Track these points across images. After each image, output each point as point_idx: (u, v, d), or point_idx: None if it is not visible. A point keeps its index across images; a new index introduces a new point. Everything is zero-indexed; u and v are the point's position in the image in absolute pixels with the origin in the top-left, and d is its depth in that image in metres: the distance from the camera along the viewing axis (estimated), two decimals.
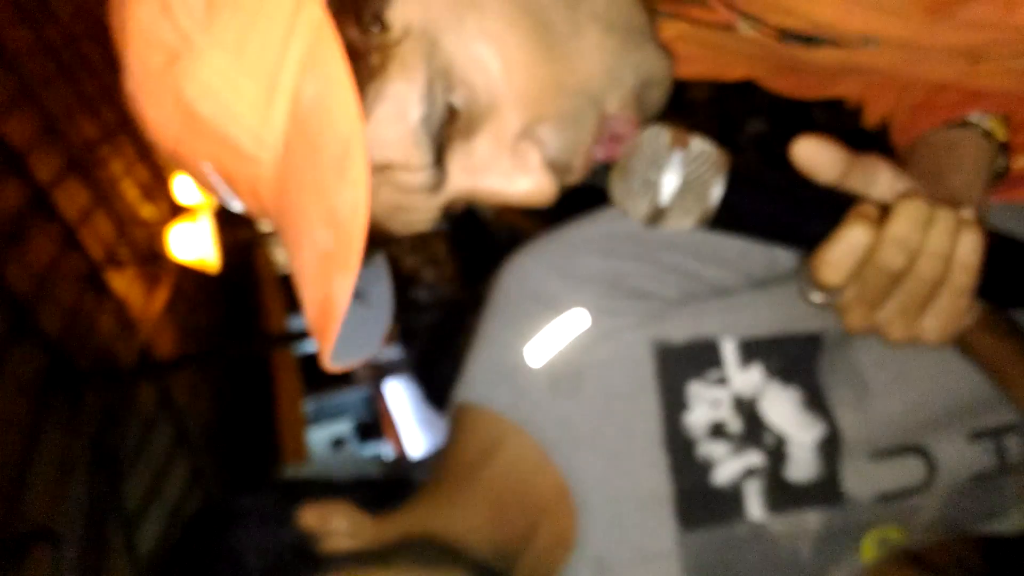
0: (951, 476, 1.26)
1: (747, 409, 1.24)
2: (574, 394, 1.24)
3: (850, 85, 1.07)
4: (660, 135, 0.76)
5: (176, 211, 4.63)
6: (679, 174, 0.75)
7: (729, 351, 1.24)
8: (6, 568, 2.02)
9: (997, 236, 0.81)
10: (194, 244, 4.31)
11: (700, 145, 0.76)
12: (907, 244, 0.75)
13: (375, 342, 0.89)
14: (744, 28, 0.85)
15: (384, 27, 0.70)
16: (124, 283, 4.01)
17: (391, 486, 1.31)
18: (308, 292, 0.77)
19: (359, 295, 0.87)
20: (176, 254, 4.31)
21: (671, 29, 0.90)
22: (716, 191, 0.76)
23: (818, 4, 0.78)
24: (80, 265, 3.64)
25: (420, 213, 0.78)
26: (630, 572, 1.24)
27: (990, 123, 0.98)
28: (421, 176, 0.74)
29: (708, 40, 0.92)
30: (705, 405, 1.24)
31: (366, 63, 0.69)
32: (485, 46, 0.73)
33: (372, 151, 0.70)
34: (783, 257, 1.24)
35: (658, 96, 0.84)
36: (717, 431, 1.24)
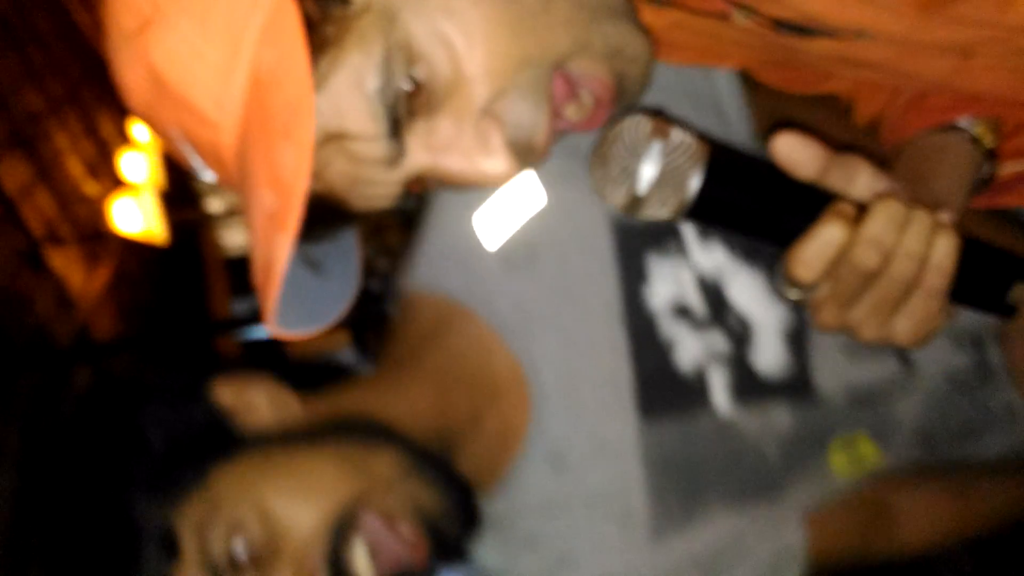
0: (928, 377, 1.22)
1: (711, 289, 1.17)
2: (528, 272, 1.16)
3: (842, 81, 1.07)
4: (641, 124, 0.76)
5: (120, 186, 4.53)
6: (657, 165, 0.76)
7: (688, 227, 1.17)
8: None
9: (973, 241, 0.81)
10: (138, 217, 4.21)
11: (680, 136, 0.76)
12: (882, 244, 0.75)
13: (332, 315, 0.89)
14: (739, 18, 0.85)
15: (346, 1, 0.72)
16: (64, 261, 3.91)
17: (321, 369, 1.19)
18: (256, 254, 0.78)
19: (315, 265, 0.89)
20: (120, 227, 4.21)
21: (666, 17, 0.90)
22: (694, 183, 0.76)
23: None
24: (19, 241, 3.55)
25: (380, 187, 0.79)
26: (587, 463, 1.16)
27: (978, 129, 0.99)
28: (377, 147, 0.75)
29: (703, 29, 0.92)
30: (666, 281, 1.16)
31: (323, 34, 0.71)
32: (447, 22, 0.74)
33: (328, 119, 0.72)
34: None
35: (637, 74, 0.85)
36: (679, 311, 1.16)
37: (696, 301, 1.16)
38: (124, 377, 1.16)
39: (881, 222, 0.75)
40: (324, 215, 0.80)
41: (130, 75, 0.77)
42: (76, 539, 1.02)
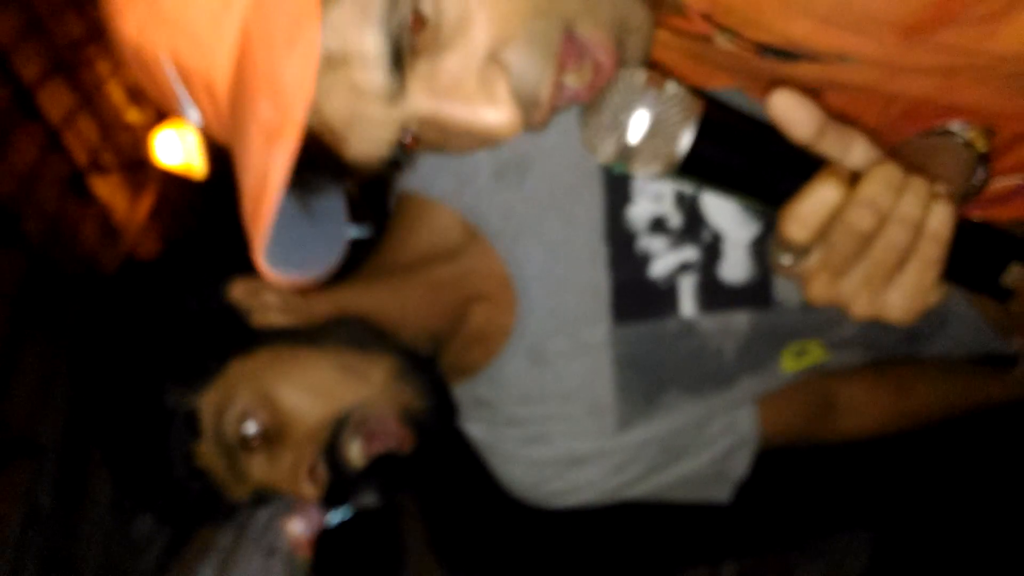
0: None
1: (688, 204, 1.24)
2: (519, 183, 1.23)
3: (834, 99, 1.06)
4: (635, 74, 0.75)
5: (162, 117, 4.54)
6: (650, 114, 0.74)
7: None
8: None
9: (968, 220, 0.79)
10: (179, 150, 4.23)
11: (675, 88, 0.74)
12: (878, 206, 0.73)
13: (321, 266, 0.88)
14: (721, 41, 0.84)
15: None
16: (108, 189, 3.95)
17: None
18: (247, 177, 0.75)
19: (309, 209, 0.88)
20: (161, 159, 4.23)
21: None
22: (686, 137, 0.74)
23: (793, 23, 0.76)
24: (63, 169, 3.58)
25: (377, 128, 0.76)
26: (563, 361, 1.27)
27: (971, 134, 0.97)
28: (377, 76, 0.72)
29: (689, 49, 0.91)
30: (648, 199, 1.24)
31: None
32: None
33: (330, 42, 0.70)
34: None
35: (637, 44, 0.82)
36: (657, 225, 1.24)
37: (674, 216, 1.24)
38: (145, 264, 1.23)
39: (878, 184, 0.73)
40: (319, 160, 0.78)
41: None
42: (119, 420, 1.15)
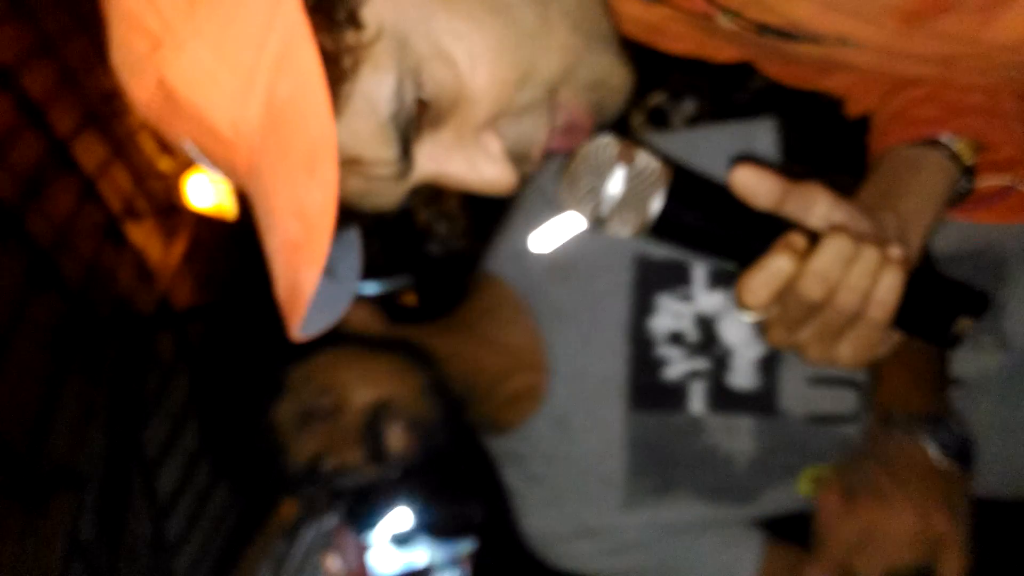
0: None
1: (706, 325, 1.45)
2: (565, 280, 1.50)
3: (839, 79, 1.09)
4: (608, 147, 0.80)
5: (193, 164, 4.63)
6: (620, 188, 0.80)
7: (699, 275, 1.45)
8: (30, 510, 2.09)
9: (924, 271, 0.84)
10: (211, 192, 4.33)
11: (644, 161, 0.80)
12: (827, 278, 0.78)
13: (339, 310, 0.94)
14: (722, 21, 0.86)
15: (358, 26, 0.72)
16: (142, 234, 4.05)
17: (411, 310, 1.68)
18: (278, 273, 0.80)
19: (329, 271, 0.91)
20: (193, 202, 4.33)
21: (658, 12, 0.93)
22: (655, 206, 0.80)
23: (797, 4, 0.79)
24: (99, 217, 3.68)
25: (388, 198, 0.82)
26: (584, 432, 1.49)
27: (959, 146, 0.99)
28: (390, 169, 0.77)
29: (695, 24, 0.93)
30: (669, 316, 1.47)
31: (339, 64, 0.71)
32: (453, 44, 0.76)
33: (342, 146, 0.73)
34: None
35: (614, 102, 0.88)
36: (675, 338, 1.46)
37: (691, 332, 1.46)
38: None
39: (828, 257, 0.79)
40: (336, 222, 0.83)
41: (140, 89, 0.77)
42: (227, 382, 1.45)
